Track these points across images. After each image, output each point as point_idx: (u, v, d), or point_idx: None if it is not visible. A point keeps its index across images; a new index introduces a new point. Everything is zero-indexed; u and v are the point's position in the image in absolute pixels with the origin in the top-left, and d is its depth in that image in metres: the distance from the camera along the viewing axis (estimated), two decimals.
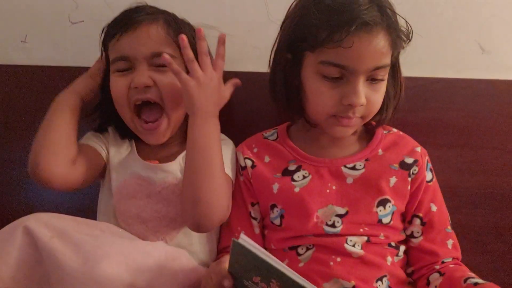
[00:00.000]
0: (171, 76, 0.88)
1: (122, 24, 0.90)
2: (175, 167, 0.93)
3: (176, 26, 0.92)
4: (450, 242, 0.89)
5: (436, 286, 0.85)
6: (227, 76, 1.02)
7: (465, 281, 0.80)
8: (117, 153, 0.96)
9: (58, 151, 0.86)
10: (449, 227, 0.90)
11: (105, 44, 0.95)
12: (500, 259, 1.06)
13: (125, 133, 0.98)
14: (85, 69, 1.13)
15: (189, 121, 0.86)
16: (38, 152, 0.85)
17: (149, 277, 0.74)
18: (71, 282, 0.70)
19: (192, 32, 0.94)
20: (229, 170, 0.91)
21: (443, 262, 0.88)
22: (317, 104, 0.84)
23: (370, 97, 0.82)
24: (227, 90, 0.91)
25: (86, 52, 1.15)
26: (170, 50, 0.90)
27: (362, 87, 0.80)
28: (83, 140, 0.96)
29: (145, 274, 0.74)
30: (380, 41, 0.78)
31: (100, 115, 1.01)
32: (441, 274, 0.85)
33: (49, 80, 1.15)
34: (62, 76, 1.15)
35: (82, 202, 1.06)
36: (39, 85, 1.16)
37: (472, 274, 0.83)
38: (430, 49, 1.09)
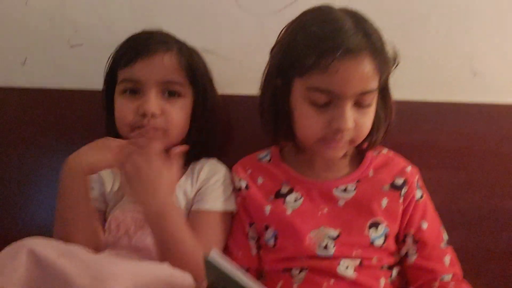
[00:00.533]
0: (179, 106, 0.92)
1: (139, 51, 0.90)
2: None
3: (188, 55, 0.95)
4: (447, 258, 0.89)
5: None
6: (225, 98, 1.05)
7: None
8: (112, 194, 0.96)
9: (82, 228, 0.85)
10: (444, 243, 0.90)
11: (113, 66, 0.96)
12: (493, 281, 1.06)
13: None
14: (85, 91, 1.15)
15: (146, 218, 0.84)
16: (62, 230, 0.85)
17: None
18: None
19: (201, 60, 0.98)
20: (224, 206, 0.93)
21: (442, 279, 0.88)
22: (306, 128, 0.86)
23: (358, 121, 0.83)
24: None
25: (86, 75, 1.17)
26: (180, 78, 0.93)
27: (349, 112, 0.82)
28: None
29: None
30: (366, 67, 0.80)
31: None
32: None
33: (49, 102, 1.17)
34: (62, 98, 1.17)
35: None
36: (39, 107, 1.17)
37: None
38: (422, 72, 1.11)
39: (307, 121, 0.85)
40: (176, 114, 0.93)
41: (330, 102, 0.82)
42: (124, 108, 0.91)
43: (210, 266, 0.65)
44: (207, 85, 0.99)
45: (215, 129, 1.02)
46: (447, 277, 0.88)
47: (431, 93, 1.11)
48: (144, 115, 0.90)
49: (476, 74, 1.12)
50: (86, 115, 1.14)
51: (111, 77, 0.96)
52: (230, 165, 1.01)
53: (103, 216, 0.95)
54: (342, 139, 0.84)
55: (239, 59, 1.14)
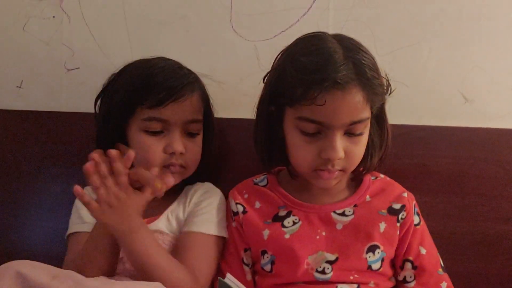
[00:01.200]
0: (198, 143, 0.96)
1: (171, 94, 0.90)
2: (162, 224, 0.93)
3: (204, 91, 0.98)
4: (444, 285, 0.90)
5: None
6: (219, 122, 1.05)
7: None
8: None
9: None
10: (441, 270, 0.91)
11: (133, 102, 0.91)
12: None
13: None
14: (80, 114, 1.16)
15: (122, 245, 0.83)
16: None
17: None
18: None
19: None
20: (216, 229, 0.92)
21: None
22: (297, 157, 0.86)
23: (349, 150, 0.83)
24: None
25: (81, 98, 1.18)
26: (200, 116, 0.96)
27: (339, 141, 0.82)
28: (76, 224, 0.96)
29: None
30: (354, 97, 0.80)
31: None
32: None
33: (44, 125, 1.17)
34: (57, 121, 1.17)
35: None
36: (35, 130, 1.17)
37: None
38: (415, 98, 1.12)
39: (298, 150, 0.85)
40: (196, 152, 0.96)
41: (320, 132, 0.83)
42: (153, 148, 0.91)
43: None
44: (211, 116, 1.01)
45: (212, 153, 1.03)
46: None
47: (424, 119, 1.12)
48: (172, 154, 0.91)
49: (467, 100, 1.14)
50: (81, 138, 1.14)
51: (124, 111, 0.93)
52: (224, 189, 1.01)
53: None
54: (334, 169, 0.84)
55: (234, 84, 1.15)
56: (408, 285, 0.90)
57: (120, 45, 1.17)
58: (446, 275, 0.91)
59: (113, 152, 0.80)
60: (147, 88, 0.90)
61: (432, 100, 1.13)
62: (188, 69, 0.98)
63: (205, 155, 1.00)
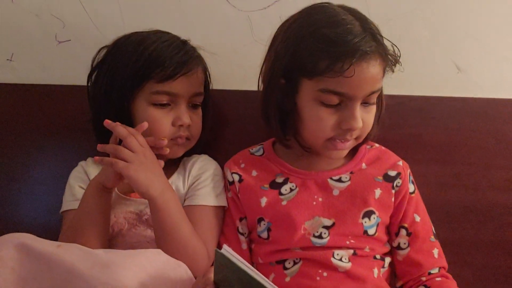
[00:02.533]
0: (200, 115, 0.99)
1: (181, 68, 0.91)
2: None
3: (206, 66, 1.01)
4: (435, 251, 0.92)
5: None
6: (213, 93, 1.05)
7: None
8: None
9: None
10: (433, 237, 0.93)
11: (140, 76, 0.91)
12: (478, 272, 1.08)
13: None
14: (72, 87, 1.15)
15: (150, 205, 0.86)
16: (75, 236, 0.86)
17: (152, 283, 0.75)
18: (83, 286, 0.69)
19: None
20: (217, 200, 0.94)
21: (429, 274, 0.90)
22: (315, 129, 0.86)
23: (364, 119, 0.85)
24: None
25: (73, 71, 1.17)
26: (203, 89, 1.00)
27: (359, 112, 0.83)
28: (69, 201, 0.97)
29: (149, 279, 0.74)
30: (376, 68, 0.82)
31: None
32: None
33: (35, 98, 1.16)
34: (49, 94, 1.16)
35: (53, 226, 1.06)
36: (25, 104, 1.16)
37: None
38: (409, 68, 1.11)
39: (317, 123, 0.85)
40: (199, 123, 0.99)
41: (340, 103, 0.83)
42: (162, 121, 0.93)
43: (221, 260, 0.66)
44: (207, 89, 1.03)
45: (207, 126, 1.03)
46: (434, 271, 0.90)
47: (417, 89, 1.13)
48: (180, 126, 0.94)
49: (460, 70, 1.14)
50: (73, 111, 1.14)
51: (131, 85, 0.92)
52: (219, 160, 1.02)
53: None
54: (351, 138, 0.86)
55: (227, 55, 1.15)
56: (402, 251, 0.92)
57: (111, 16, 1.16)
58: (437, 242, 0.93)
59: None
60: (156, 62, 0.91)
61: (425, 70, 1.14)
62: (193, 46, 0.99)
63: (203, 127, 1.01)
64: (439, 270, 0.91)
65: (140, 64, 0.91)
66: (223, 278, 0.70)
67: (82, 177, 0.99)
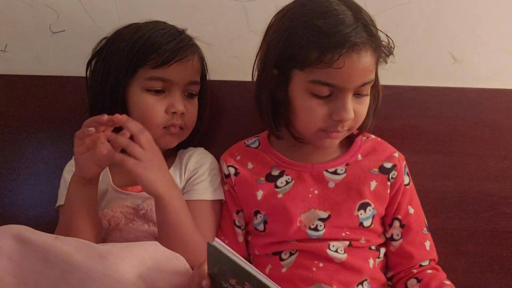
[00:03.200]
0: (195, 104, 0.98)
1: (176, 53, 0.91)
2: None
3: (202, 56, 1.00)
4: (427, 244, 0.92)
5: None
6: (209, 84, 1.05)
7: None
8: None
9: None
10: (425, 229, 0.94)
11: (135, 63, 0.92)
12: (473, 260, 1.09)
13: None
14: (66, 78, 1.14)
15: (156, 203, 0.85)
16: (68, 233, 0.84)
17: (150, 275, 0.75)
18: (80, 276, 0.70)
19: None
20: (215, 194, 0.95)
21: (420, 266, 0.91)
22: (307, 120, 0.86)
23: (356, 110, 0.85)
24: None
25: (67, 62, 1.16)
26: (198, 79, 0.98)
27: (350, 103, 0.83)
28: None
29: (147, 271, 0.75)
30: (368, 59, 0.81)
31: None
32: (418, 280, 0.89)
33: (30, 89, 1.15)
34: (43, 85, 1.15)
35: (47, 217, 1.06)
36: (19, 95, 1.15)
37: (448, 283, 0.87)
38: (405, 59, 1.12)
39: (309, 114, 0.85)
40: (194, 113, 0.98)
41: (331, 94, 0.83)
42: (156, 107, 0.92)
43: (213, 252, 0.67)
44: (204, 80, 1.02)
45: (204, 117, 1.03)
46: (425, 263, 0.91)
47: (414, 79, 1.13)
48: (174, 114, 0.93)
49: (457, 60, 1.14)
50: (68, 102, 1.13)
51: (126, 71, 0.92)
52: (215, 151, 1.02)
53: None
54: (343, 130, 0.86)
55: (223, 46, 1.14)
56: (395, 243, 0.92)
57: (106, 7, 1.14)
58: (429, 235, 0.94)
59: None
60: (151, 48, 0.91)
61: (422, 60, 1.14)
62: (189, 36, 0.98)
63: (199, 118, 1.00)
64: (429, 263, 0.92)
65: (136, 50, 0.91)
66: (217, 270, 0.71)
67: None
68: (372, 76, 0.84)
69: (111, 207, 0.93)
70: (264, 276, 0.65)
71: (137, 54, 0.91)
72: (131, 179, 0.94)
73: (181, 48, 0.92)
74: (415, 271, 0.90)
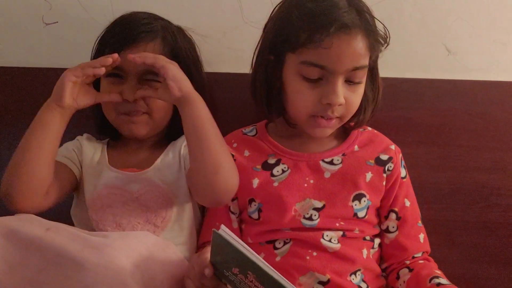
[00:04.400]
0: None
1: (124, 39, 0.90)
2: (153, 174, 0.93)
3: (171, 41, 0.95)
4: (421, 236, 0.94)
5: (404, 281, 0.89)
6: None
7: (430, 280, 0.85)
8: (90, 165, 0.96)
9: (33, 185, 0.83)
10: (420, 222, 0.95)
11: (100, 51, 0.94)
12: (467, 252, 1.10)
13: (103, 131, 1.00)
14: (60, 70, 1.13)
15: (186, 108, 0.85)
16: (11, 183, 0.83)
17: (144, 264, 0.75)
18: (76, 268, 0.70)
19: (186, 43, 0.99)
20: None
21: (413, 257, 0.92)
22: (297, 104, 0.87)
23: (348, 97, 0.85)
24: None
25: (61, 53, 1.16)
26: None
27: (341, 87, 0.83)
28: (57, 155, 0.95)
29: (141, 260, 0.75)
30: (359, 43, 0.82)
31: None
32: (410, 270, 0.90)
33: (23, 82, 1.14)
34: (37, 77, 1.14)
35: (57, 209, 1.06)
36: (13, 87, 1.14)
37: (438, 272, 0.88)
38: (399, 50, 1.12)
39: (299, 96, 0.86)
40: (155, 101, 0.93)
41: (321, 78, 0.84)
42: (111, 95, 0.91)
43: (218, 240, 0.67)
44: (192, 68, 0.98)
45: None
46: (418, 255, 0.93)
47: (407, 71, 1.13)
48: (126, 101, 0.91)
49: (450, 52, 1.14)
50: None
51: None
52: None
53: (69, 175, 0.94)
54: (333, 115, 0.86)
55: (218, 37, 1.14)
56: (390, 235, 0.93)
57: None
58: (423, 227, 0.95)
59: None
60: (108, 36, 0.93)
61: (416, 52, 1.14)
62: (157, 20, 0.96)
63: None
64: (422, 254, 0.93)
65: (101, 39, 0.94)
66: (220, 259, 0.71)
67: (77, 145, 0.98)
68: (364, 62, 0.84)
69: (105, 186, 0.92)
70: (269, 266, 0.65)
71: (100, 43, 0.95)
72: (127, 161, 0.96)
73: (130, 33, 0.91)
74: (407, 262, 0.91)
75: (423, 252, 0.93)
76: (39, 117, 0.86)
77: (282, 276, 0.65)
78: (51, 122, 0.85)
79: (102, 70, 0.84)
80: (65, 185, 0.92)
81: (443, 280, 0.85)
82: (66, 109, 0.85)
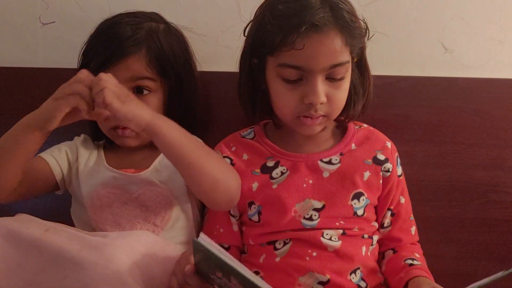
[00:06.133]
0: (148, 99, 0.92)
1: (108, 57, 0.89)
2: (151, 174, 0.94)
3: (158, 48, 0.94)
4: (413, 229, 0.96)
5: (387, 261, 0.94)
6: (201, 75, 1.05)
7: (405, 260, 0.89)
8: (86, 166, 0.96)
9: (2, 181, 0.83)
10: (412, 216, 0.97)
11: (84, 64, 0.94)
12: (463, 248, 1.10)
13: (98, 138, 1.00)
14: (56, 70, 1.13)
15: (155, 139, 0.81)
16: None
17: (144, 263, 0.76)
18: (75, 268, 0.70)
19: (177, 44, 0.98)
20: None
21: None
22: (281, 106, 0.88)
23: (331, 95, 0.85)
24: None
25: (58, 53, 1.15)
26: (149, 75, 0.93)
27: (321, 86, 0.83)
28: (46, 152, 0.96)
29: (141, 259, 0.75)
30: (333, 40, 0.81)
31: None
32: (394, 252, 0.94)
33: (20, 81, 1.14)
34: (33, 77, 1.14)
35: (57, 206, 1.05)
36: (9, 87, 1.14)
37: (416, 255, 0.91)
38: (396, 48, 1.13)
39: (281, 98, 0.86)
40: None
41: (301, 78, 0.84)
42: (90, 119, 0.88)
43: (199, 248, 0.68)
44: (182, 71, 0.98)
45: (194, 108, 1.02)
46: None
47: (405, 69, 1.14)
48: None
49: (447, 49, 1.15)
50: None
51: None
52: (209, 143, 1.01)
53: (47, 175, 0.94)
54: (317, 114, 0.86)
55: (215, 36, 1.14)
56: (383, 229, 0.95)
57: None
58: (414, 221, 0.97)
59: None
60: (90, 52, 0.93)
61: (413, 50, 1.14)
62: (143, 23, 0.94)
63: (189, 109, 0.99)
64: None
65: (84, 54, 0.94)
66: (204, 264, 0.72)
67: (72, 147, 0.98)
68: (343, 58, 0.83)
69: (104, 186, 0.92)
70: (249, 272, 0.66)
71: (84, 57, 0.95)
72: (124, 162, 0.96)
73: (113, 49, 0.90)
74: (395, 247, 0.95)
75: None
76: (15, 136, 0.82)
77: (263, 281, 0.66)
78: (29, 141, 0.81)
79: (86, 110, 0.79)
80: (38, 183, 0.91)
81: (416, 262, 0.88)
82: (49, 131, 0.82)
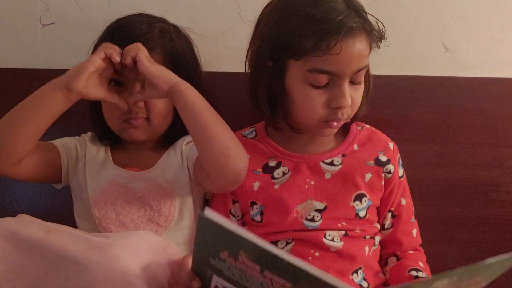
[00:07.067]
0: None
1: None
2: (156, 173, 0.94)
3: (171, 47, 0.94)
4: (414, 231, 0.96)
5: (390, 268, 0.93)
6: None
7: (409, 271, 0.88)
8: (93, 162, 0.96)
9: (5, 151, 0.84)
10: (413, 217, 0.96)
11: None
12: (465, 248, 1.11)
13: (104, 137, 0.99)
14: (57, 71, 1.12)
15: (179, 100, 0.83)
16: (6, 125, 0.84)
17: (147, 263, 0.75)
18: (78, 269, 0.70)
19: (185, 44, 0.98)
20: None
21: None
22: (306, 110, 0.86)
23: (353, 97, 0.85)
24: None
25: (58, 54, 1.15)
26: None
27: (347, 90, 0.83)
28: (57, 140, 0.96)
29: (144, 259, 0.75)
30: (362, 44, 0.82)
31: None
32: (398, 259, 0.93)
33: (21, 82, 1.13)
34: (34, 78, 1.13)
35: (59, 206, 1.06)
36: (10, 88, 1.14)
37: (421, 265, 0.90)
38: (397, 48, 1.13)
39: (308, 104, 0.85)
40: (156, 104, 0.93)
41: (329, 82, 0.83)
42: (117, 104, 0.90)
43: (205, 224, 0.63)
44: (191, 70, 0.98)
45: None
46: (411, 252, 0.95)
47: (405, 69, 1.14)
48: (129, 109, 0.90)
49: (448, 49, 1.15)
50: None
51: None
52: None
53: (54, 160, 0.94)
54: (342, 117, 0.86)
55: (215, 37, 1.14)
56: (385, 231, 0.95)
57: None
58: (416, 223, 0.97)
59: None
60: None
61: (413, 50, 1.14)
62: (154, 25, 0.94)
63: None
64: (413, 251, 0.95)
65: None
66: (206, 246, 0.66)
67: (81, 142, 0.99)
68: (367, 62, 0.85)
69: (109, 182, 0.92)
70: (261, 239, 0.60)
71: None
72: (130, 161, 0.96)
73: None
74: (398, 253, 0.94)
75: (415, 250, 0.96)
76: (39, 94, 0.84)
77: (276, 248, 0.61)
78: (51, 102, 0.83)
79: (117, 60, 0.84)
80: (43, 165, 0.91)
81: (421, 273, 0.87)
82: (72, 94, 0.83)
